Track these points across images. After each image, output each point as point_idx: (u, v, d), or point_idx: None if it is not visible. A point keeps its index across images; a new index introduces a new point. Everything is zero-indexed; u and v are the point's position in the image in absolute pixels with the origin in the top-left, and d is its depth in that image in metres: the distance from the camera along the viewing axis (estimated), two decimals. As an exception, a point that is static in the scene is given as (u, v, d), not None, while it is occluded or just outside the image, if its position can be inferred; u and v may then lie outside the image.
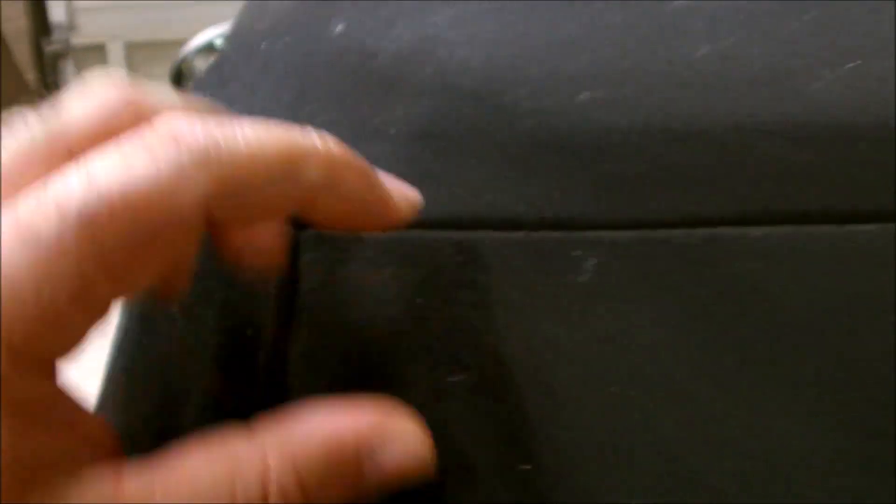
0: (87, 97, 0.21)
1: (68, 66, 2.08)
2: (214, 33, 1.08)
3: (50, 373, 0.20)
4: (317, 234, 0.23)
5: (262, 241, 0.23)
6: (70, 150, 0.21)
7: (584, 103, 0.22)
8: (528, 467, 0.21)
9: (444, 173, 0.22)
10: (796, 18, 0.22)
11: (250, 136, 0.20)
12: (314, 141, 0.21)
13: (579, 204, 0.21)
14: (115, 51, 2.06)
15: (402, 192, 0.22)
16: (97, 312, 0.20)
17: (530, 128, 0.22)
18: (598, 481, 0.20)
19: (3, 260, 0.18)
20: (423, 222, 0.22)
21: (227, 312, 0.24)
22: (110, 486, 0.19)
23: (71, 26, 2.05)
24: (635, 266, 0.21)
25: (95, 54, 2.07)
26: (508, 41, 0.23)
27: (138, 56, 1.98)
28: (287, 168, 0.20)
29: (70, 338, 0.19)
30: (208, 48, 1.05)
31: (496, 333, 0.21)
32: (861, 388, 0.20)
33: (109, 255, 0.19)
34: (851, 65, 0.22)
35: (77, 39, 2.07)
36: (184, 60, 1.06)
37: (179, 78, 1.07)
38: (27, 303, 0.18)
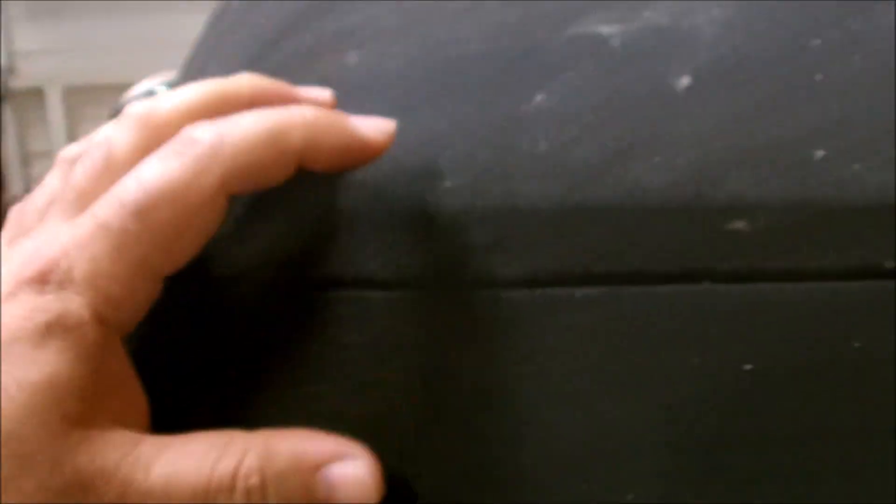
0: (134, 130, 0.29)
1: (6, 110, 2.10)
2: (156, 81, 1.11)
3: (119, 339, 0.27)
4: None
5: None
6: (125, 169, 0.28)
7: (450, 189, 0.28)
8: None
9: (338, 246, 0.28)
10: (620, 121, 0.29)
11: (247, 124, 0.27)
12: (294, 113, 0.28)
13: (442, 267, 0.27)
14: (54, 94, 2.08)
15: (376, 127, 0.29)
16: (155, 284, 0.27)
17: (402, 208, 0.28)
18: (456, 483, 0.26)
19: (89, 247, 0.26)
20: (315, 283, 0.28)
21: None
22: (128, 448, 0.25)
23: (10, 69, 2.08)
24: (483, 319, 0.27)
25: (33, 98, 2.10)
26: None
27: (77, 100, 2.01)
28: (277, 142, 0.27)
29: (136, 305, 0.27)
30: (149, 95, 1.08)
31: (381, 370, 0.27)
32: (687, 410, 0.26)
33: (159, 233, 0.26)
34: (658, 158, 0.28)
35: (15, 83, 2.09)
36: (125, 107, 1.09)
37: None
38: (105, 275, 0.26)
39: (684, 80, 0.30)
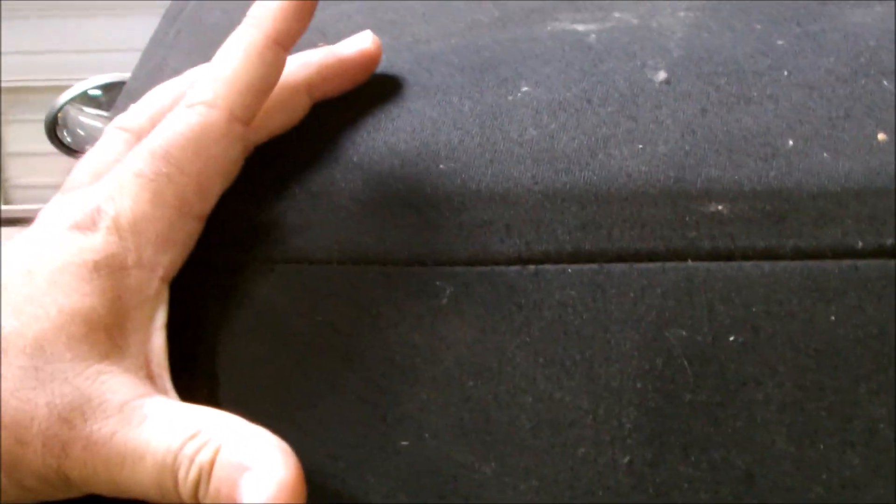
0: (152, 101, 0.32)
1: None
2: (91, 83, 1.10)
3: (163, 284, 0.29)
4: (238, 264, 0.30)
5: None
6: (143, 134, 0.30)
7: (444, 172, 0.30)
8: (406, 443, 0.28)
9: (337, 223, 0.30)
10: (594, 112, 0.30)
11: (242, 64, 0.30)
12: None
13: (438, 245, 0.29)
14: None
15: (358, 41, 0.33)
16: (194, 223, 0.29)
17: (400, 189, 0.29)
18: (453, 448, 0.27)
19: (129, 194, 0.28)
20: (317, 259, 0.29)
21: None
22: (134, 398, 0.27)
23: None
24: (479, 294, 0.28)
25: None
26: (382, 127, 0.31)
27: (8, 100, 1.98)
28: (274, 70, 0.30)
29: (177, 246, 0.29)
30: (84, 97, 1.07)
31: (377, 343, 0.28)
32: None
33: (190, 172, 0.29)
34: (640, 146, 0.30)
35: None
36: (60, 109, 1.08)
37: (55, 125, 1.09)
38: (148, 219, 0.28)
39: (661, 74, 0.32)
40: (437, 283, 0.28)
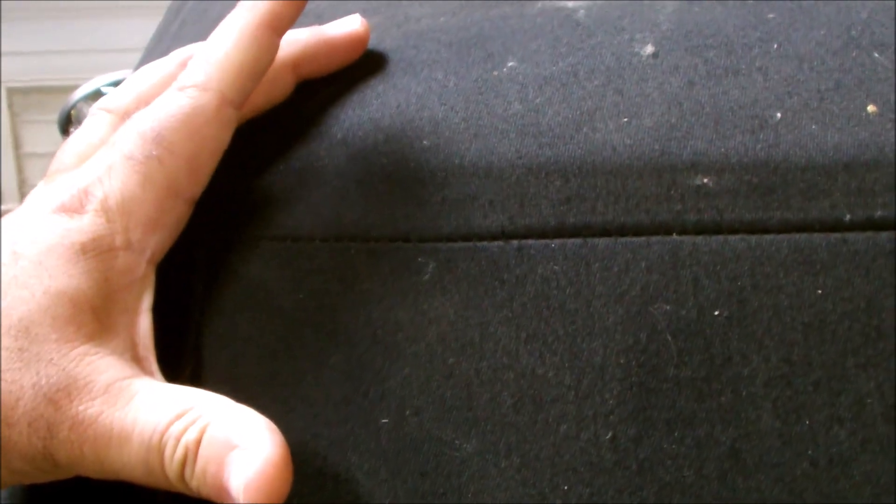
0: (138, 82, 0.32)
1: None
2: (102, 80, 1.11)
3: (150, 267, 0.29)
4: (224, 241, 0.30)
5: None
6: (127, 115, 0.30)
7: (427, 147, 0.29)
8: (387, 421, 0.27)
9: (321, 200, 0.29)
10: (580, 86, 0.30)
11: (235, 46, 0.30)
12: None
13: (421, 220, 0.28)
14: (-4, 96, 2.05)
15: (346, 23, 0.33)
16: (183, 206, 0.29)
17: (384, 165, 0.29)
18: (434, 425, 0.27)
19: (118, 177, 0.28)
20: (301, 236, 0.29)
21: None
22: (120, 379, 0.27)
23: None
24: (462, 269, 0.28)
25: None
26: (367, 103, 0.31)
27: (20, 102, 1.99)
28: (265, 52, 0.30)
29: (166, 229, 0.29)
30: (96, 95, 1.08)
31: (360, 319, 0.28)
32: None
33: (180, 155, 0.29)
34: (625, 119, 0.29)
35: (-44, 85, 2.06)
36: (73, 107, 1.09)
37: (68, 124, 1.10)
38: (137, 201, 0.28)
39: (648, 48, 0.31)
40: (420, 259, 0.28)
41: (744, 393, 0.26)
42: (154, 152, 0.28)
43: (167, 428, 0.26)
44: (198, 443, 0.26)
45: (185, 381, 0.29)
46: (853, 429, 0.26)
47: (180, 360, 0.30)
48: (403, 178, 0.29)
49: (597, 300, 0.27)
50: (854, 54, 0.30)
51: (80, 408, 0.26)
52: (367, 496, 0.27)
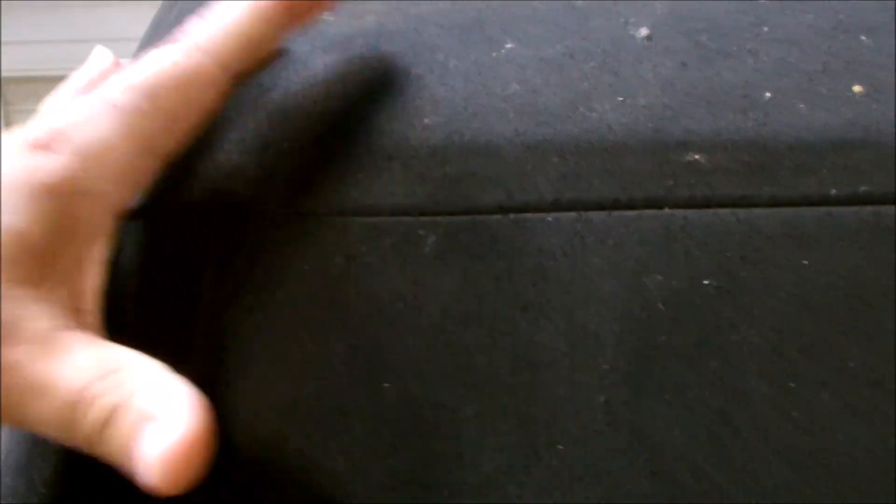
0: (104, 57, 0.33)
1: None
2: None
3: (112, 216, 0.28)
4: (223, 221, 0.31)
5: None
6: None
7: (428, 125, 0.30)
8: (388, 385, 0.28)
9: (322, 175, 0.30)
10: (577, 68, 0.31)
11: (231, 10, 0.30)
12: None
13: (422, 196, 0.29)
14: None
15: None
16: (158, 163, 0.29)
17: (385, 143, 0.30)
18: (434, 391, 0.28)
19: (97, 123, 0.28)
20: (304, 211, 0.30)
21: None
22: (52, 328, 0.26)
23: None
24: (462, 242, 0.29)
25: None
26: (366, 79, 0.32)
27: (13, 91, 1.99)
28: (260, 17, 0.30)
29: (135, 182, 0.28)
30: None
31: (363, 291, 0.29)
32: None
33: (168, 112, 0.28)
34: (620, 99, 0.30)
35: (-52, 76, 2.06)
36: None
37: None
38: (111, 149, 0.28)
39: (643, 31, 0.32)
40: (421, 231, 0.29)
41: (733, 360, 0.27)
42: (141, 104, 0.28)
43: (88, 386, 0.25)
44: (115, 407, 0.25)
45: (199, 352, 0.30)
46: (837, 392, 0.27)
47: (192, 331, 0.31)
48: (404, 156, 0.30)
49: (592, 271, 0.28)
50: (842, 37, 0.32)
51: (7, 351, 0.25)
52: (369, 458, 0.28)
